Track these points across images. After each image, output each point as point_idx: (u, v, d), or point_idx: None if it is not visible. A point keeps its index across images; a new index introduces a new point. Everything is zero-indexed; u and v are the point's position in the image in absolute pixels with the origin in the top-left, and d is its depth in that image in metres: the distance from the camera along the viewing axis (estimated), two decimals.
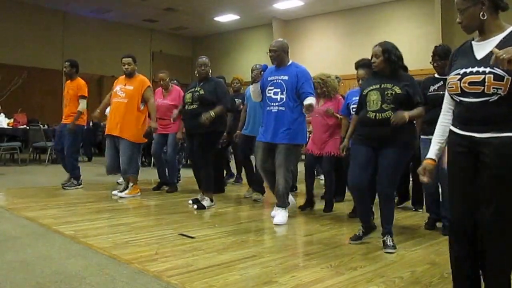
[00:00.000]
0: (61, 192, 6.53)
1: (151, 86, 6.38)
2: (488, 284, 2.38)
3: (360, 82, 4.65)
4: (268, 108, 4.90)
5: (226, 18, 15.82)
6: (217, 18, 15.88)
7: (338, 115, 5.34)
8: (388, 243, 3.82)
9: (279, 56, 4.93)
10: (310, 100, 4.75)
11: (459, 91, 2.34)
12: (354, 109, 4.40)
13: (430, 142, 3.17)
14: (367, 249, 3.85)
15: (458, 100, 2.38)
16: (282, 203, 4.86)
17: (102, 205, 5.66)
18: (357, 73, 4.85)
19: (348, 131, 4.51)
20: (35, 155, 11.44)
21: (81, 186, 6.88)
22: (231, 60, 17.22)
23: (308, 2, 13.76)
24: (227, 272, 3.18)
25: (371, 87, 3.88)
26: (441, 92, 4.06)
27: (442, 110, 2.60)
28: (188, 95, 5.65)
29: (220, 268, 3.26)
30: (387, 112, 3.73)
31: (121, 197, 6.11)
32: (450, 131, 2.48)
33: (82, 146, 11.56)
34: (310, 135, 5.73)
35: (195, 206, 5.48)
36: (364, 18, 13.73)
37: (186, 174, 7.72)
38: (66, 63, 6.98)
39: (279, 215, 4.79)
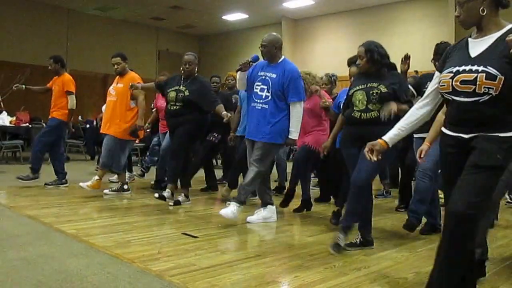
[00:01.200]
0: (63, 191, 6.52)
1: (141, 83, 6.23)
2: None
3: (352, 79, 4.54)
4: (252, 104, 4.77)
5: (234, 16, 15.68)
6: (225, 17, 15.77)
7: (331, 109, 5.26)
8: (339, 240, 3.67)
9: (270, 51, 4.74)
10: (293, 136, 4.69)
11: (451, 90, 2.31)
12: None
13: (424, 141, 3.16)
14: (371, 250, 3.83)
15: (450, 99, 2.35)
16: (238, 198, 4.66)
17: (104, 204, 5.65)
18: (349, 70, 4.84)
19: (333, 131, 4.43)
20: None
21: (36, 179, 6.83)
22: (239, 60, 17.08)
23: (319, 1, 13.67)
24: (230, 271, 3.17)
25: (357, 87, 3.87)
26: None
27: (419, 100, 2.60)
28: (172, 94, 5.59)
29: (222, 268, 3.24)
30: (372, 112, 3.72)
31: (105, 194, 6.11)
32: (442, 132, 2.47)
33: (85, 144, 11.59)
34: None
35: (171, 203, 5.52)
36: (375, 18, 13.64)
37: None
38: (50, 60, 6.94)
39: (229, 208, 4.59)
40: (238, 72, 4.83)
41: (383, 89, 3.73)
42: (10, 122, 10.13)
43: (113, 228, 4.38)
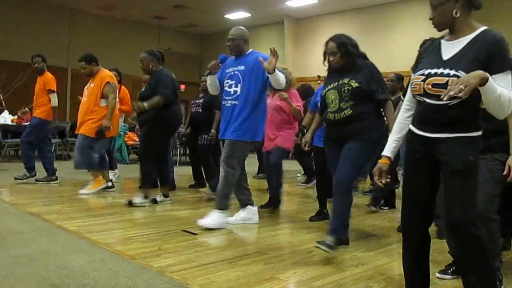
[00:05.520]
0: (65, 188, 6.56)
1: (111, 82, 6.18)
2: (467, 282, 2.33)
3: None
4: (223, 103, 4.57)
5: (237, 15, 15.60)
6: (227, 16, 15.72)
7: (292, 103, 5.32)
8: (327, 241, 3.49)
9: (238, 45, 4.52)
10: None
11: (422, 92, 2.31)
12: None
13: None
14: (368, 247, 3.86)
15: (421, 100, 2.35)
16: (218, 204, 4.42)
17: (105, 201, 5.70)
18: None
19: (311, 127, 4.30)
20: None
21: (34, 177, 6.90)
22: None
23: (321, 0, 13.64)
24: (229, 268, 3.20)
25: (329, 86, 3.75)
26: None
27: (402, 107, 2.56)
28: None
29: (222, 264, 3.28)
30: (345, 111, 3.60)
31: (83, 194, 6.05)
32: (409, 130, 2.46)
33: None
34: None
35: (124, 201, 5.41)
36: (378, 17, 13.62)
37: (184, 172, 7.73)
38: (38, 58, 6.94)
39: (209, 217, 4.37)
40: (208, 77, 4.63)
41: (353, 84, 3.60)
42: (12, 121, 10.16)
43: (114, 225, 4.42)
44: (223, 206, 4.42)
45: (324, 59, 3.79)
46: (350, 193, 3.69)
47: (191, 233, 4.17)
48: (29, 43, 13.48)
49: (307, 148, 4.25)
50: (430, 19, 2.34)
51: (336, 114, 3.65)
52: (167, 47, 17.57)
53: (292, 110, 5.41)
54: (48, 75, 6.93)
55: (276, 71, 4.19)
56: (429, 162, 2.34)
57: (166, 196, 5.64)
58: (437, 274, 3.14)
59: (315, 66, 4.16)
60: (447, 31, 2.36)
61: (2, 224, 4.27)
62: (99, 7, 14.88)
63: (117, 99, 6.41)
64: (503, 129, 2.82)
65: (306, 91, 7.16)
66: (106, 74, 6.24)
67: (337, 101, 3.65)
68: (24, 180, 6.83)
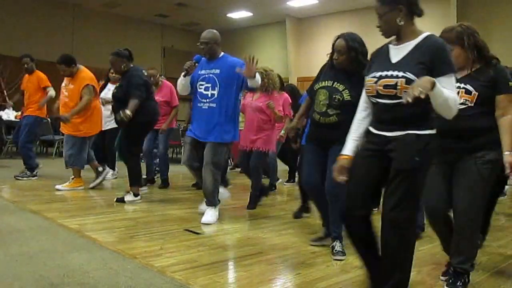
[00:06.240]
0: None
1: (90, 85, 6.18)
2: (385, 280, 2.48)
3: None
4: (199, 104, 4.64)
5: (239, 14, 15.64)
6: (229, 15, 15.72)
7: (277, 112, 5.32)
8: (337, 248, 3.55)
9: (212, 48, 4.65)
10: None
11: (375, 93, 2.46)
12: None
13: None
14: None
15: (374, 101, 2.50)
16: (211, 202, 4.63)
17: (108, 199, 5.65)
18: None
19: (299, 111, 4.11)
20: (42, 148, 11.43)
21: (35, 177, 6.98)
22: (241, 58, 17.07)
23: (323, 0, 13.62)
24: (232, 268, 3.19)
25: (323, 83, 3.61)
26: None
27: (359, 107, 2.67)
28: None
29: (225, 265, 3.25)
30: (331, 117, 3.51)
31: (58, 189, 6.06)
32: (367, 130, 2.59)
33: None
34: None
35: (115, 199, 5.47)
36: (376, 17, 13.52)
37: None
38: (26, 58, 7.04)
39: (208, 214, 4.57)
40: (183, 77, 4.66)
41: (346, 96, 3.46)
42: (16, 117, 10.15)
43: (116, 223, 4.38)
44: (216, 202, 4.66)
45: (332, 54, 3.64)
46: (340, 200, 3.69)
47: (194, 232, 4.13)
48: (33, 39, 13.45)
49: (296, 146, 4.31)
50: (378, 27, 2.52)
51: (321, 117, 3.57)
52: (170, 44, 17.60)
53: (276, 118, 5.42)
54: (40, 73, 7.11)
55: (256, 75, 4.38)
56: (380, 159, 2.47)
57: (135, 195, 5.55)
58: (441, 277, 3.09)
59: (317, 66, 4.12)
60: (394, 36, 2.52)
61: (2, 222, 4.24)
62: (103, 4, 14.86)
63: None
64: (491, 126, 2.84)
65: (293, 91, 7.11)
66: (86, 75, 6.24)
67: (326, 103, 3.53)
68: (25, 179, 6.88)
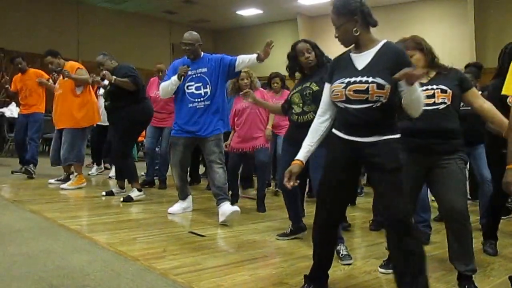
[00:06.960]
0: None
1: (82, 67, 6.39)
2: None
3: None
4: (191, 105, 4.71)
5: (249, 12, 15.56)
6: (239, 12, 15.65)
7: (259, 100, 5.24)
8: (343, 252, 3.48)
9: (197, 49, 4.84)
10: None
11: (344, 99, 2.51)
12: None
13: None
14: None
15: (342, 107, 2.54)
16: (226, 195, 4.70)
17: (111, 200, 5.59)
18: None
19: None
20: (44, 146, 11.33)
21: (33, 176, 6.98)
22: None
23: None
24: (236, 272, 3.10)
25: (294, 91, 3.80)
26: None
27: (317, 113, 2.74)
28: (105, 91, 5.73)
29: (229, 268, 3.17)
30: (308, 115, 3.61)
31: (63, 189, 6.05)
32: (333, 134, 2.62)
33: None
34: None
35: (121, 199, 5.47)
36: (394, 16, 13.24)
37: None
38: (19, 59, 7.17)
39: (227, 211, 4.50)
40: (178, 80, 4.72)
41: (314, 87, 3.63)
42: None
43: (118, 225, 4.32)
44: (228, 195, 4.78)
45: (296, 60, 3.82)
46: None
47: (198, 235, 4.06)
48: (37, 35, 13.41)
49: None
50: (336, 37, 2.61)
51: (299, 117, 3.70)
52: (179, 41, 17.50)
53: (263, 105, 5.35)
54: (35, 69, 7.29)
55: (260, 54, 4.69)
56: (351, 164, 2.56)
57: (139, 190, 5.61)
58: (380, 269, 3.23)
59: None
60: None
61: (1, 221, 4.20)
62: (108, 0, 14.76)
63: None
64: (458, 127, 3.02)
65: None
66: (74, 64, 6.41)
67: (301, 104, 3.70)
68: (27, 176, 6.88)
